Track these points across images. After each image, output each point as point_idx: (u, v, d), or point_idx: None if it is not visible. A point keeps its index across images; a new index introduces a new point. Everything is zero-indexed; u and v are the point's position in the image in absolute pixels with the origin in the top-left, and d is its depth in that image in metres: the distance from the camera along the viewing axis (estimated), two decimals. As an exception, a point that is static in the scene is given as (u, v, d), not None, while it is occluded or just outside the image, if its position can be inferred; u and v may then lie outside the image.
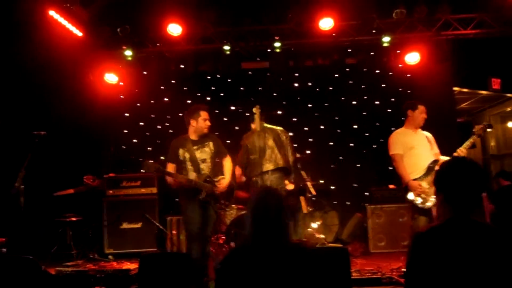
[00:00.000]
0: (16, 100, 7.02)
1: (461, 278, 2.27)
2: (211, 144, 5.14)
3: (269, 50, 8.00)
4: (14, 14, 6.44)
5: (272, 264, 2.54)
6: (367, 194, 7.53)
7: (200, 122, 5.12)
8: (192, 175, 4.95)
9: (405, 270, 2.49)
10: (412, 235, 2.52)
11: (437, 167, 4.48)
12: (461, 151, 5.05)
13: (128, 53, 7.86)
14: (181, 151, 5.02)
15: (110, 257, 6.86)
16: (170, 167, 4.99)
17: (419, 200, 4.99)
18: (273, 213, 2.65)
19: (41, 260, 6.12)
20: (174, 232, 6.94)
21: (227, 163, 5.19)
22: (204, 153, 5.07)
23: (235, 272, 2.57)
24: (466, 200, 2.43)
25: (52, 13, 6.77)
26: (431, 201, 4.94)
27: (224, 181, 5.07)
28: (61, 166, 7.41)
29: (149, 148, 8.53)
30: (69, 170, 7.45)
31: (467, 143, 5.12)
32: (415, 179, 5.07)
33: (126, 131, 8.76)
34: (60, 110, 7.41)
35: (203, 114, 5.15)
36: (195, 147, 5.05)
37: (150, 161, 4.84)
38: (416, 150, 5.25)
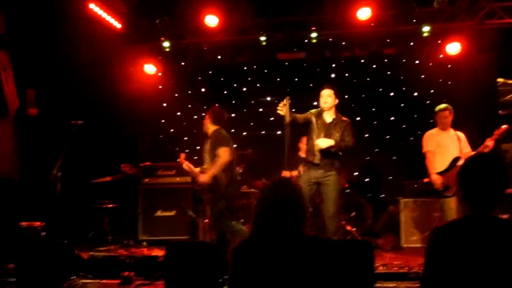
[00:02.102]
0: (56, 90, 7.27)
1: (478, 275, 2.24)
2: (209, 142, 5.60)
3: (305, 41, 7.95)
4: (55, 7, 6.65)
5: (282, 255, 2.54)
6: (401, 187, 7.39)
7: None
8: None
9: (424, 264, 2.47)
10: (430, 230, 2.50)
11: (460, 163, 5.21)
12: (490, 143, 5.57)
13: (166, 44, 7.99)
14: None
15: (144, 243, 7.05)
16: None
17: (441, 189, 5.61)
18: (282, 203, 2.63)
19: (78, 244, 6.42)
20: (206, 221, 7.06)
21: (218, 157, 5.34)
22: (205, 151, 5.65)
23: (243, 263, 2.60)
24: (486, 197, 2.38)
25: (92, 6, 6.98)
26: (453, 191, 5.47)
27: (205, 173, 5.43)
28: (100, 155, 7.65)
29: (185, 138, 8.68)
30: (108, 159, 7.68)
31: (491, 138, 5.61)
32: (437, 173, 5.66)
33: (163, 121, 8.96)
34: (100, 100, 7.67)
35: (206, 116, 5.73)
36: (206, 144, 5.70)
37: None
38: (444, 148, 5.77)
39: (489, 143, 5.56)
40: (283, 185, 2.72)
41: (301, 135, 7.01)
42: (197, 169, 5.61)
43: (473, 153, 5.53)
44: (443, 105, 5.91)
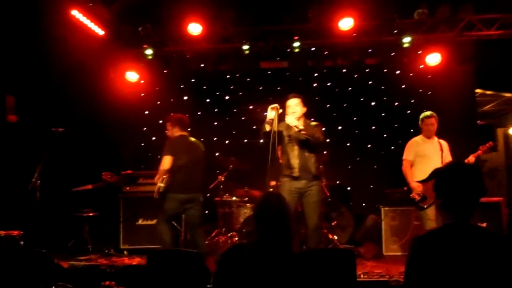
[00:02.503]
0: (36, 97, 7.20)
1: (459, 283, 2.27)
2: None
3: (288, 50, 8.00)
4: (37, 13, 6.59)
5: (269, 267, 2.56)
6: (383, 196, 7.45)
7: None
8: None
9: (404, 273, 2.49)
10: (411, 239, 2.52)
11: None
12: (470, 160, 5.63)
13: (149, 51, 7.97)
14: None
15: (125, 252, 6.98)
16: None
17: (417, 198, 5.64)
18: (274, 216, 2.67)
19: (58, 253, 6.32)
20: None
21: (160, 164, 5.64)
22: None
23: (230, 270, 2.61)
24: (464, 205, 2.42)
25: (74, 12, 6.92)
26: (429, 203, 5.53)
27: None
28: (81, 162, 7.57)
29: (167, 146, 8.62)
30: (89, 166, 7.61)
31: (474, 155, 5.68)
32: (418, 181, 5.70)
33: (145, 129, 8.92)
34: (81, 107, 7.59)
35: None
36: None
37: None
38: (426, 158, 5.79)
39: (471, 159, 5.62)
40: (273, 197, 2.77)
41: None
42: None
43: None
44: (428, 112, 5.92)
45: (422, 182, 5.68)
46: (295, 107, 5.28)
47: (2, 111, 6.91)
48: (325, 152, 8.07)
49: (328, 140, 8.56)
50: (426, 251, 2.36)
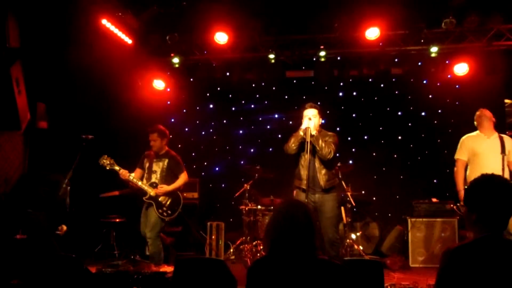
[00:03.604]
0: (66, 104, 7.34)
1: None
2: (166, 161, 6.08)
3: (314, 59, 8.02)
4: (68, 22, 6.74)
5: (296, 277, 2.56)
6: (409, 207, 7.37)
7: (151, 143, 6.15)
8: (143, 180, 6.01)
9: (434, 285, 2.47)
10: (443, 251, 2.50)
11: None
12: None
13: (176, 60, 8.07)
14: (145, 160, 6.16)
15: (150, 259, 7.04)
16: (136, 171, 6.10)
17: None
18: (300, 225, 2.66)
19: (85, 258, 6.43)
20: (213, 237, 7.06)
21: (180, 178, 6.06)
22: (157, 166, 6.05)
23: (259, 283, 2.61)
24: (499, 220, 2.40)
25: (104, 21, 7.05)
26: None
27: (163, 187, 5.92)
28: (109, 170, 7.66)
29: (193, 154, 8.70)
30: (116, 174, 7.69)
31: None
32: None
33: (171, 136, 8.97)
34: (110, 115, 7.71)
35: (149, 136, 6.17)
36: (154, 160, 6.10)
37: (107, 158, 5.91)
38: (480, 158, 5.28)
39: None
40: (296, 206, 2.75)
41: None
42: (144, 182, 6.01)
43: None
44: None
45: None
46: (313, 118, 5.24)
47: (33, 117, 7.05)
48: (350, 162, 8.07)
49: (354, 150, 8.64)
50: (458, 264, 2.35)
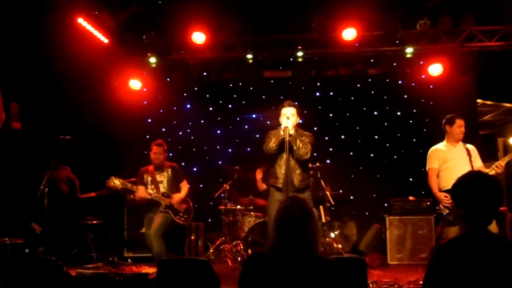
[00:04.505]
0: (42, 104, 7.18)
1: None
2: (169, 171, 6.28)
3: (291, 59, 8.07)
4: (43, 20, 6.60)
5: (294, 274, 2.56)
6: (386, 205, 7.47)
7: (151, 155, 6.29)
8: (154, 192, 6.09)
9: (423, 282, 2.51)
10: (431, 247, 2.55)
11: None
12: (499, 165, 5.18)
13: (153, 60, 8.01)
14: (145, 175, 6.23)
15: (129, 260, 6.96)
16: (140, 189, 6.06)
17: (446, 211, 5.18)
18: (298, 222, 2.66)
19: (61, 261, 6.29)
20: (192, 237, 7.02)
21: (184, 185, 6.32)
22: (162, 177, 6.23)
23: (255, 278, 2.61)
24: (486, 214, 2.46)
25: (80, 20, 6.94)
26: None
27: (177, 195, 6.17)
28: (84, 170, 7.54)
29: (170, 154, 8.60)
30: (92, 174, 7.58)
31: (506, 158, 5.24)
32: (444, 191, 5.27)
33: (148, 137, 8.91)
34: (85, 114, 7.58)
35: (153, 148, 6.28)
36: (156, 172, 6.24)
37: (115, 178, 5.88)
38: (451, 164, 5.43)
39: (502, 163, 5.21)
40: (297, 203, 2.76)
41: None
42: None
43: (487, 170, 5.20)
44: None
45: (450, 191, 5.25)
46: (291, 117, 5.19)
47: (6, 118, 6.87)
48: (327, 161, 8.14)
49: (331, 149, 8.71)
50: (447, 259, 2.38)
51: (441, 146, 5.64)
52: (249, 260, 2.72)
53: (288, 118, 5.13)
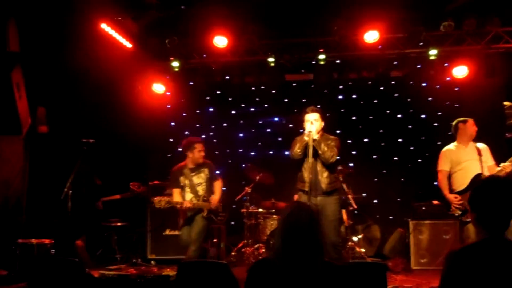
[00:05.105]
0: (67, 108, 7.33)
1: None
2: (206, 170, 6.07)
3: (313, 62, 8.02)
4: (67, 26, 6.74)
5: (301, 280, 2.55)
6: (410, 209, 7.37)
7: (196, 154, 6.04)
8: (190, 197, 5.94)
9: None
10: (446, 253, 2.51)
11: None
12: (506, 166, 5.18)
13: (175, 64, 8.07)
14: (181, 178, 6.01)
15: (152, 262, 7.04)
16: (176, 192, 5.98)
17: (458, 212, 5.25)
18: (305, 227, 2.66)
19: (86, 262, 6.41)
20: (215, 240, 7.06)
21: (218, 184, 6.15)
22: (200, 178, 6.02)
23: (260, 284, 2.61)
24: (500, 221, 2.41)
25: (103, 25, 7.06)
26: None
27: (214, 197, 6.02)
28: (109, 173, 7.67)
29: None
30: (117, 177, 7.70)
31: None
32: (456, 193, 5.33)
33: (171, 140, 9.02)
34: (109, 118, 7.72)
35: (198, 146, 6.06)
36: (192, 174, 6.03)
37: (159, 198, 5.79)
38: (463, 166, 5.45)
39: (507, 165, 5.24)
40: (304, 209, 2.75)
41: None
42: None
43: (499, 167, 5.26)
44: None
45: (461, 193, 5.33)
46: (315, 122, 5.27)
47: (33, 122, 7.05)
48: (350, 165, 8.08)
49: (354, 153, 8.65)
50: (461, 266, 2.35)
51: (452, 146, 5.68)
52: (254, 266, 2.72)
53: (311, 123, 5.18)
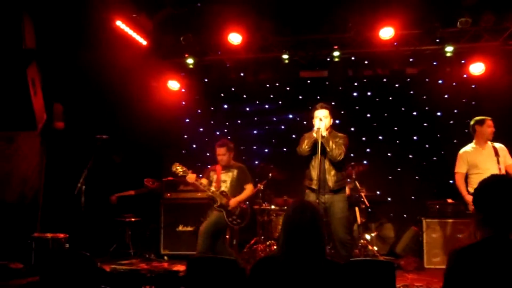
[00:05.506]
0: (83, 105, 7.42)
1: None
2: (235, 171, 6.14)
3: (328, 59, 7.99)
4: (83, 23, 6.82)
5: (301, 278, 2.56)
6: (424, 207, 7.30)
7: (217, 157, 6.16)
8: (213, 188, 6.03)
9: (442, 286, 2.47)
10: (449, 252, 2.50)
11: None
12: None
13: (190, 61, 8.11)
14: (211, 173, 6.19)
15: (165, 258, 7.10)
16: (203, 181, 6.07)
17: None
18: (307, 225, 2.66)
19: (100, 257, 6.50)
20: (227, 237, 7.08)
21: (247, 188, 6.16)
22: (227, 177, 6.11)
23: (262, 282, 2.62)
24: (506, 220, 2.38)
25: (119, 23, 7.12)
26: None
27: (234, 198, 5.98)
28: (123, 169, 7.75)
29: (207, 154, 8.73)
30: (131, 173, 7.78)
31: None
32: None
33: (186, 137, 9.07)
34: (125, 115, 7.80)
35: (217, 150, 6.16)
36: (222, 172, 6.16)
37: (180, 165, 5.93)
38: (480, 168, 5.50)
39: None
40: (308, 207, 2.75)
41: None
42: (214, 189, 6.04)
43: None
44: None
45: None
46: (324, 119, 5.24)
47: (49, 118, 7.16)
48: (364, 162, 8.03)
49: (368, 150, 8.59)
50: (464, 264, 2.34)
51: (469, 148, 5.72)
52: (257, 264, 2.73)
53: (320, 120, 5.16)
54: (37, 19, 6.71)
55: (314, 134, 5.12)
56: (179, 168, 5.91)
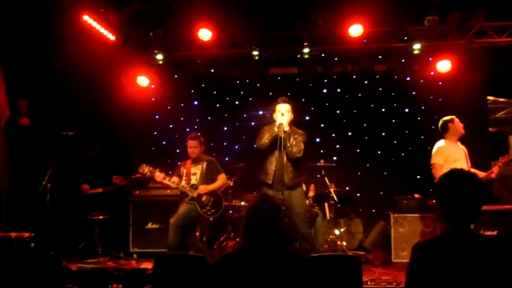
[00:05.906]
0: (48, 101, 7.27)
1: None
2: (204, 164, 6.13)
3: (298, 56, 8.02)
4: (48, 17, 6.67)
5: (262, 272, 2.56)
6: (392, 202, 7.40)
7: (188, 149, 6.16)
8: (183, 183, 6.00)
9: (405, 279, 2.50)
10: (413, 245, 2.53)
11: None
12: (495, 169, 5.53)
13: (160, 57, 8.02)
14: (182, 168, 6.17)
15: (134, 256, 7.02)
16: (175, 178, 6.02)
17: None
18: (266, 220, 2.66)
19: (68, 256, 6.39)
20: (197, 233, 7.04)
21: (219, 179, 6.13)
22: (196, 169, 6.10)
23: (225, 279, 2.61)
24: (466, 214, 2.43)
25: (86, 17, 6.99)
26: None
27: (205, 185, 5.97)
28: (91, 166, 7.62)
29: (177, 150, 8.68)
30: (99, 170, 7.65)
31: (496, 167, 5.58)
32: None
33: (156, 133, 8.99)
34: (92, 111, 7.68)
35: (189, 143, 6.16)
36: (191, 165, 6.14)
37: (147, 166, 5.92)
38: (458, 163, 5.50)
39: (495, 170, 5.54)
40: (266, 202, 2.75)
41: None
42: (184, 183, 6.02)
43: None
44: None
45: None
46: (286, 113, 5.22)
47: (15, 114, 7.00)
48: (334, 158, 8.09)
49: (338, 146, 8.66)
50: (426, 258, 2.38)
51: (443, 143, 5.77)
52: (219, 262, 2.71)
53: (282, 114, 5.15)
54: (1, 13, 6.53)
55: (276, 129, 5.09)
56: (146, 169, 5.88)
